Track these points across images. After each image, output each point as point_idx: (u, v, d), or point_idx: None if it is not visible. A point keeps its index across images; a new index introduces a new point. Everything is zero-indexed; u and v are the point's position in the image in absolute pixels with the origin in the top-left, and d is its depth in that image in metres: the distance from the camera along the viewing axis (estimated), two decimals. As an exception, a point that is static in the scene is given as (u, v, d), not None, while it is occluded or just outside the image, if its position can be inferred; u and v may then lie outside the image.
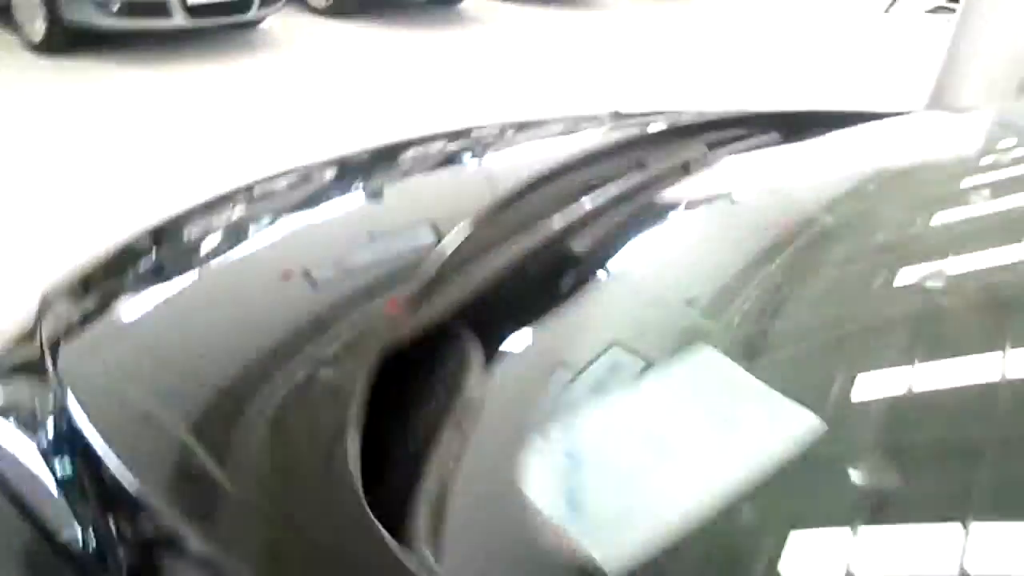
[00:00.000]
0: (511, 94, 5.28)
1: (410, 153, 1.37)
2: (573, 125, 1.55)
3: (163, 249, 1.09)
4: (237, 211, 1.16)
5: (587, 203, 0.99)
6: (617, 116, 1.64)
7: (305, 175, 1.25)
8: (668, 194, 1.03)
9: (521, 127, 1.53)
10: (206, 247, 1.08)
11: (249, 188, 1.21)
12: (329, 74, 5.20)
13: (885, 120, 1.45)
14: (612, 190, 1.02)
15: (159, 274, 1.03)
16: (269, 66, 5.23)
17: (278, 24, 6.02)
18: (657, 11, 9.55)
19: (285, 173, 1.24)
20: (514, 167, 1.34)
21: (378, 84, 5.12)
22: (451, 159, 1.41)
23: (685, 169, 1.11)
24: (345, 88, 4.93)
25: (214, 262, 1.03)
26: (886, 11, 6.89)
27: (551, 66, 6.21)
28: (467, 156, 1.42)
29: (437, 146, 1.42)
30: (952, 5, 6.20)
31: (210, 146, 3.77)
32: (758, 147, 1.29)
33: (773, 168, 1.13)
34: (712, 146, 1.29)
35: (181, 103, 4.32)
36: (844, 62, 6.42)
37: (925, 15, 5.79)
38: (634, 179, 1.09)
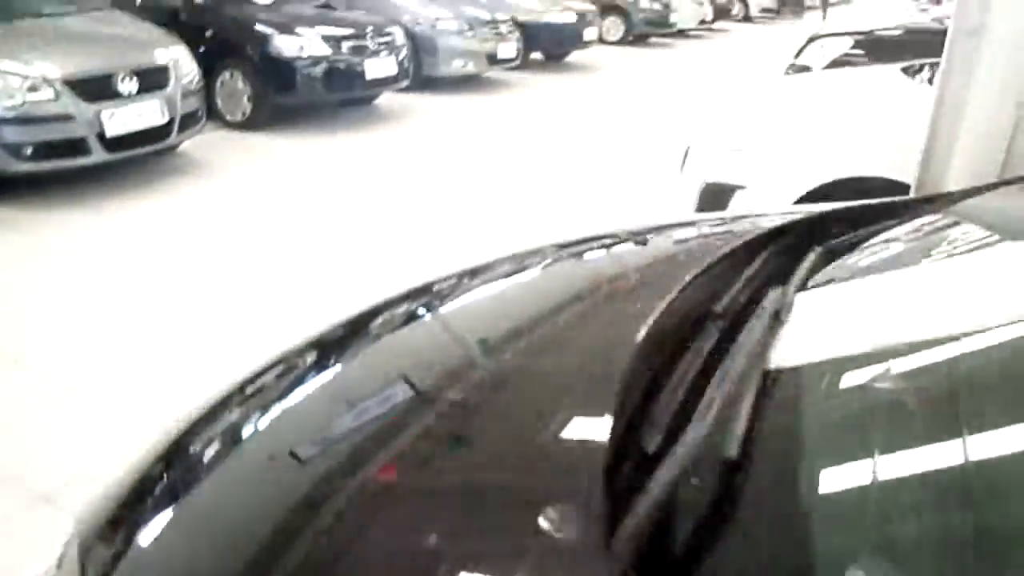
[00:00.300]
0: (437, 194, 5.28)
1: (380, 320, 1.34)
2: (520, 262, 1.53)
3: (174, 471, 1.04)
4: (236, 415, 1.12)
5: (706, 383, 0.91)
6: (558, 247, 1.62)
7: (289, 363, 1.21)
8: (784, 357, 0.97)
9: (475, 272, 1.51)
10: (215, 461, 1.02)
11: (241, 388, 1.16)
12: (257, 196, 5.05)
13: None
14: (731, 363, 0.96)
15: (175, 500, 0.97)
16: (193, 192, 5.06)
17: (194, 144, 5.86)
18: (557, 85, 10.01)
19: (270, 366, 1.20)
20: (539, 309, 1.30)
21: (305, 201, 5.02)
22: (424, 318, 1.37)
23: (777, 319, 1.06)
24: (276, 211, 4.80)
25: (229, 478, 0.97)
26: (785, 72, 7.19)
27: (471, 156, 6.31)
28: (442, 313, 1.38)
29: (406, 307, 1.39)
30: (855, 52, 6.53)
31: (166, 287, 3.59)
32: (829, 279, 1.25)
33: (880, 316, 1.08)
34: (778, 281, 1.25)
35: (118, 246, 4.12)
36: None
37: (823, 71, 6.04)
38: (733, 336, 1.03)
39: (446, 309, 1.39)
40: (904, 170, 3.08)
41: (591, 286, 1.50)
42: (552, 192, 5.33)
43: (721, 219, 1.98)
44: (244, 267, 3.86)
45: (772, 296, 1.12)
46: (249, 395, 1.14)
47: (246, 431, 1.06)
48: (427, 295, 1.44)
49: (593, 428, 0.88)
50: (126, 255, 3.95)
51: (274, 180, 5.39)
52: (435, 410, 1.01)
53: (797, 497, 0.77)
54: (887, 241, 1.42)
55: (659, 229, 1.80)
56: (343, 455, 0.93)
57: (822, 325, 1.06)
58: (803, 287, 1.18)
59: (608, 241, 1.76)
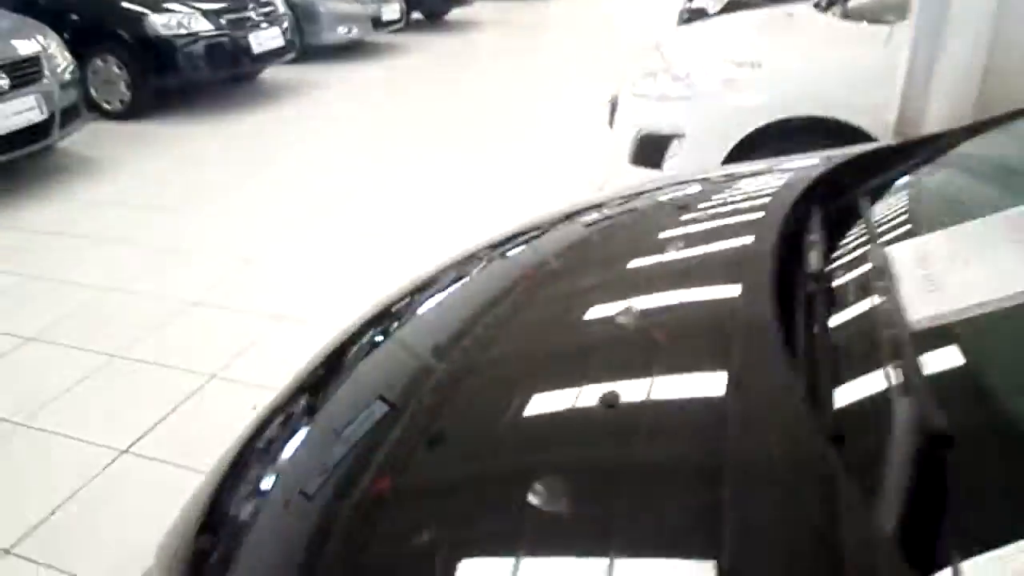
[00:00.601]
0: (347, 176, 5.06)
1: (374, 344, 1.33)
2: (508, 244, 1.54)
3: (222, 541, 1.02)
4: (255, 471, 1.12)
5: None
6: (561, 218, 1.60)
7: (285, 411, 1.20)
8: (926, 316, 0.92)
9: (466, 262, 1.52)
10: (249, 522, 1.01)
11: (251, 441, 1.15)
12: (155, 193, 4.70)
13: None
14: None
15: (228, 568, 0.96)
16: (87, 195, 4.66)
17: (76, 140, 5.36)
18: (445, 46, 9.84)
19: (270, 417, 1.20)
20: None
21: (207, 196, 4.67)
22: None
23: (890, 276, 1.02)
24: (179, 208, 4.47)
25: (262, 535, 0.96)
26: (680, 16, 7.22)
27: (374, 129, 6.10)
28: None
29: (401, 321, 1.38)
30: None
31: (80, 297, 3.29)
32: (903, 228, 1.22)
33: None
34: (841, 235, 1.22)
35: (19, 261, 3.74)
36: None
37: (742, 14, 5.95)
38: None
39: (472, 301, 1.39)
40: (843, 108, 3.15)
41: (618, 257, 1.44)
42: (467, 166, 5.19)
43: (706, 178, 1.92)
44: (158, 271, 3.59)
45: (874, 253, 1.08)
46: (261, 449, 1.14)
47: (264, 485, 1.07)
48: (410, 304, 1.42)
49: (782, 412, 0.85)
50: (32, 272, 3.60)
51: (170, 173, 5.03)
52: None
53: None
54: (930, 182, 1.41)
55: (648, 193, 1.75)
56: (349, 483, 0.96)
57: (938, 276, 1.01)
58: (884, 240, 1.15)
59: (596, 212, 1.70)
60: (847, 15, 3.81)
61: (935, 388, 0.79)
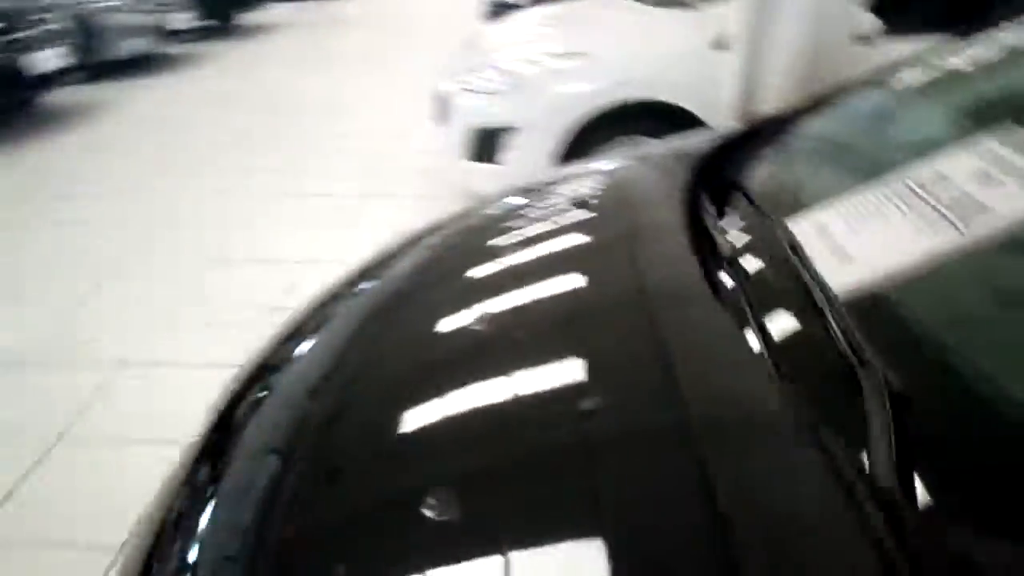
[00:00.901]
0: (130, 208, 4.74)
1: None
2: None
3: None
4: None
5: None
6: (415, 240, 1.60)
7: (188, 481, 1.14)
8: (850, 284, 0.97)
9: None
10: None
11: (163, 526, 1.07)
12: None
13: None
14: None
15: None
16: None
17: None
18: (247, 53, 9.42)
19: (173, 499, 1.12)
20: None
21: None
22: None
23: (798, 251, 1.07)
24: None
25: None
26: (488, 8, 7.28)
27: (179, 157, 5.68)
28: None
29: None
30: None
31: None
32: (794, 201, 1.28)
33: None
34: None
35: None
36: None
37: (559, 5, 6.03)
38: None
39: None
40: (667, 91, 3.31)
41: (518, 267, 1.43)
42: (290, 180, 5.00)
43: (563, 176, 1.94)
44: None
45: (781, 229, 1.11)
46: (174, 521, 1.08)
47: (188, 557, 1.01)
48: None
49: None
50: None
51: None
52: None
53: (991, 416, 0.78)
54: (801, 157, 1.49)
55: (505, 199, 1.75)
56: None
57: (845, 247, 1.06)
58: (782, 217, 1.19)
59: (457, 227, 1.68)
60: (657, 1, 3.99)
61: (879, 352, 0.84)
